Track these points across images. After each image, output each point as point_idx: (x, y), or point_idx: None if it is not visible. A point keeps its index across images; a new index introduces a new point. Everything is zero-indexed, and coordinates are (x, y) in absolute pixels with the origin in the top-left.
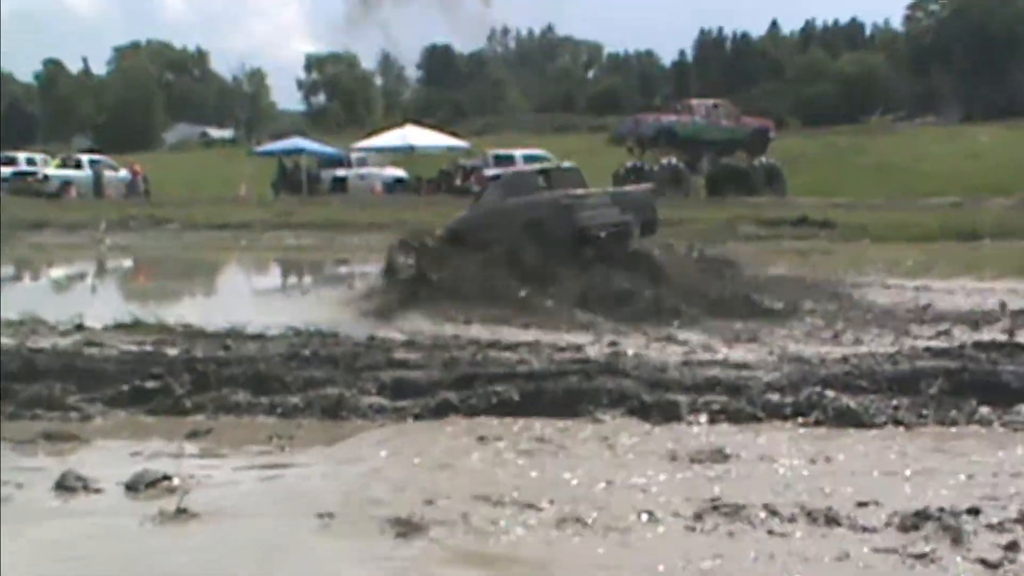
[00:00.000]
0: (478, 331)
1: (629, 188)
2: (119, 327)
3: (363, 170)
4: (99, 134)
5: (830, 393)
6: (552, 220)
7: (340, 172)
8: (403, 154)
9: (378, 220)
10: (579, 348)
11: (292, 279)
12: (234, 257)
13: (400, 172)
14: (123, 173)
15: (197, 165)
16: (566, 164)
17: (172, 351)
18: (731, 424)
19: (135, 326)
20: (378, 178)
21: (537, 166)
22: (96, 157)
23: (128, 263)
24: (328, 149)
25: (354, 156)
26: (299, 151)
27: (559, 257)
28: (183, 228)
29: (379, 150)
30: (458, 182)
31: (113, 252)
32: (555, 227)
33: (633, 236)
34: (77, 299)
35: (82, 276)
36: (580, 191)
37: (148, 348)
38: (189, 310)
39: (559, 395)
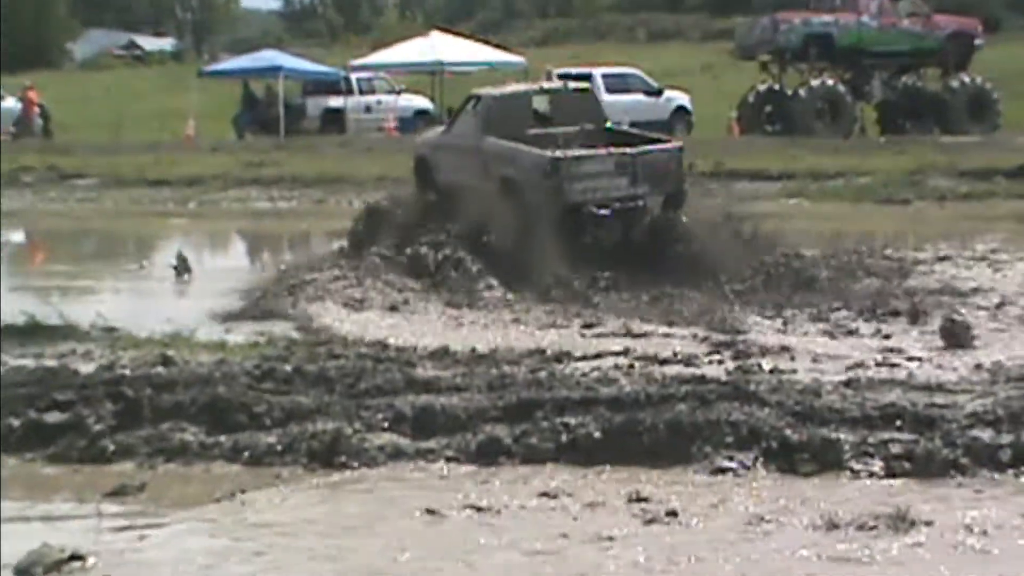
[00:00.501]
0: (527, 337)
1: (648, 147)
2: (7, 332)
3: (368, 99)
4: None
5: None
6: (532, 186)
7: (334, 102)
8: (427, 74)
9: (390, 172)
10: (689, 361)
11: (262, 260)
12: (177, 228)
13: (422, 101)
14: (10, 102)
15: (122, 91)
16: (578, 87)
17: (86, 367)
18: (918, 478)
19: (31, 331)
20: (390, 110)
21: (532, 86)
22: None
23: (17, 238)
24: (317, 68)
25: (355, 78)
26: (273, 71)
27: (542, 237)
28: (102, 185)
29: (392, 67)
30: None
31: None
32: (536, 196)
33: (646, 215)
34: None
35: None
36: (579, 151)
37: (50, 363)
38: (112, 307)
39: (661, 431)
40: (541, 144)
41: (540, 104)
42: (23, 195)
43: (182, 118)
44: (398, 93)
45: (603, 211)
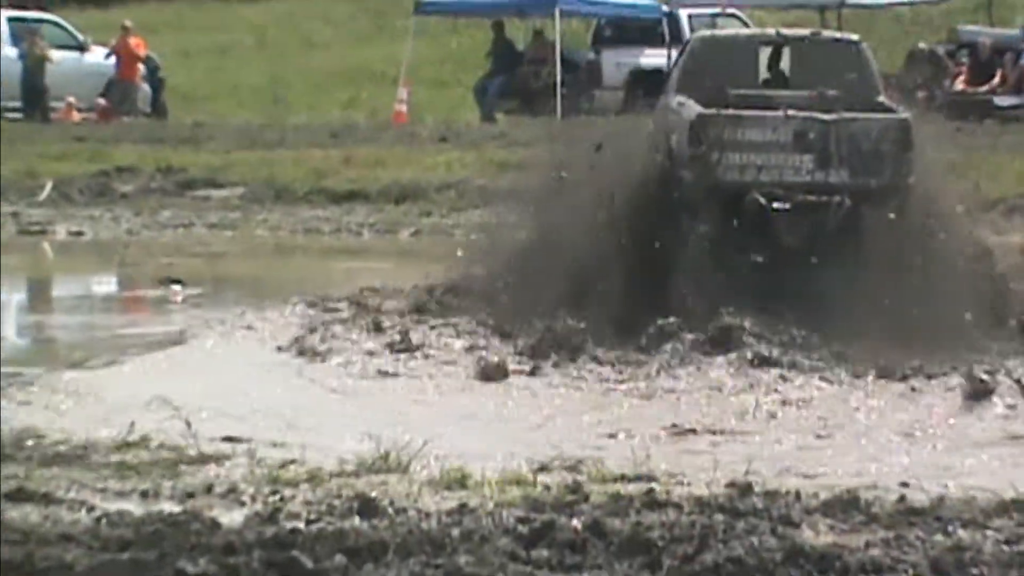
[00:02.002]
0: None
1: (855, 114)
2: (95, 451)
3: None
4: None
5: None
6: (680, 155)
7: (649, 58)
8: (815, 9)
9: None
10: None
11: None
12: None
13: None
14: (97, 55)
15: (284, 36)
16: (833, 34)
17: (232, 516)
18: None
19: (135, 450)
20: None
21: (764, 32)
22: (27, 15)
23: (103, 288)
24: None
25: (685, 16)
26: (545, 4)
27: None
28: (249, 199)
29: None
30: (961, 83)
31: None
32: (681, 168)
33: (840, 214)
34: None
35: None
36: (742, 111)
37: (171, 509)
38: (271, 415)
39: None
40: (747, 108)
41: (785, 57)
42: (118, 215)
43: (387, 83)
44: None
45: (776, 204)
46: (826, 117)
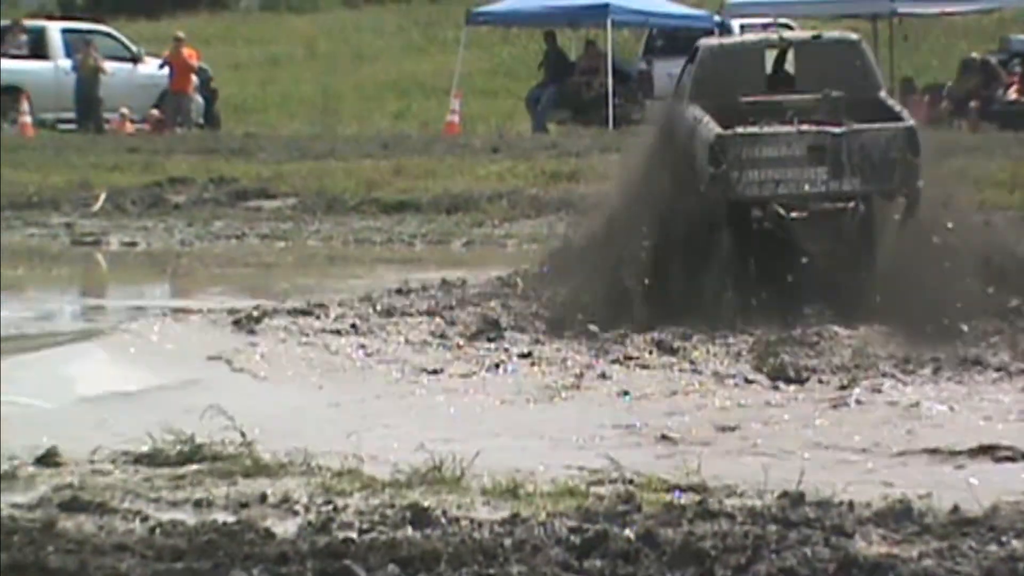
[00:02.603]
0: None
1: (865, 125)
2: (146, 461)
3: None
4: None
5: None
6: (698, 168)
7: None
8: (867, 20)
9: None
10: None
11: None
12: (426, 283)
13: None
14: (151, 67)
15: (337, 47)
16: (835, 35)
17: (285, 525)
18: None
19: (187, 460)
20: None
21: (766, 36)
22: (81, 27)
23: (157, 297)
24: (672, 8)
25: (738, 26)
26: (597, 13)
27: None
28: (302, 209)
29: (801, 8)
30: (1013, 92)
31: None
32: (699, 181)
33: (855, 219)
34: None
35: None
36: (758, 129)
37: (223, 518)
38: (324, 424)
39: None
40: (756, 117)
41: (791, 61)
42: (170, 226)
43: (439, 94)
44: None
45: (793, 214)
46: (837, 130)
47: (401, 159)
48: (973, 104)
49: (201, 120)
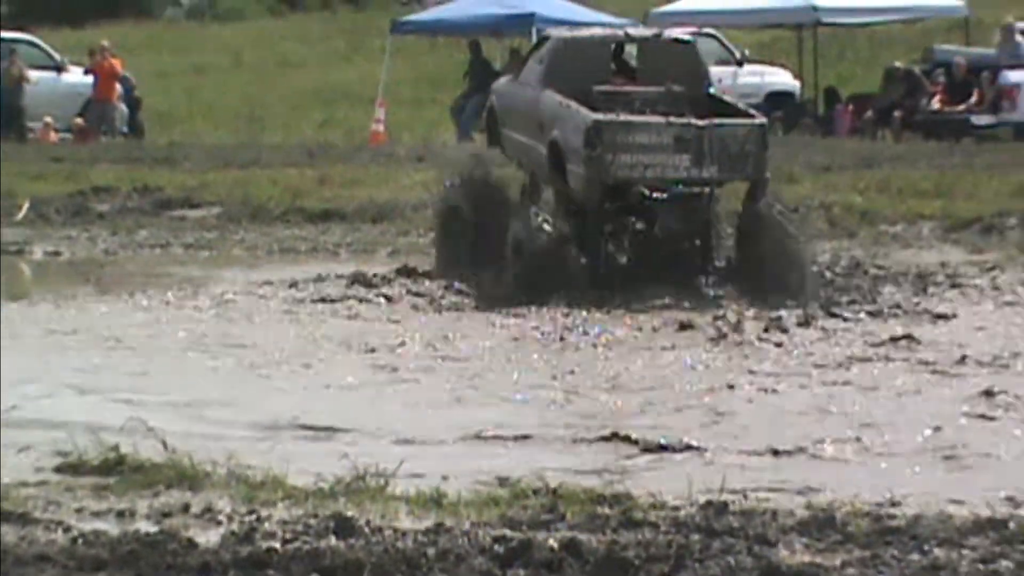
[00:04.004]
0: None
1: (723, 120)
2: (74, 472)
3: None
4: None
5: None
6: (575, 155)
7: None
8: (791, 28)
9: None
10: None
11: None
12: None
13: (781, 76)
14: (75, 75)
15: (262, 56)
16: (672, 35)
17: (208, 536)
18: None
19: (111, 470)
20: (723, 92)
21: (614, 32)
22: (5, 35)
23: (78, 315)
24: (595, 17)
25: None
26: (522, 22)
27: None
28: (226, 219)
29: (722, 17)
30: (937, 102)
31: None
32: (576, 166)
33: (712, 204)
34: None
35: None
36: (631, 117)
37: (147, 528)
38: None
39: None
40: (610, 105)
41: (629, 56)
42: (94, 235)
43: (365, 103)
44: (739, 64)
45: (656, 194)
46: (701, 123)
47: (326, 168)
48: (897, 114)
49: (125, 129)
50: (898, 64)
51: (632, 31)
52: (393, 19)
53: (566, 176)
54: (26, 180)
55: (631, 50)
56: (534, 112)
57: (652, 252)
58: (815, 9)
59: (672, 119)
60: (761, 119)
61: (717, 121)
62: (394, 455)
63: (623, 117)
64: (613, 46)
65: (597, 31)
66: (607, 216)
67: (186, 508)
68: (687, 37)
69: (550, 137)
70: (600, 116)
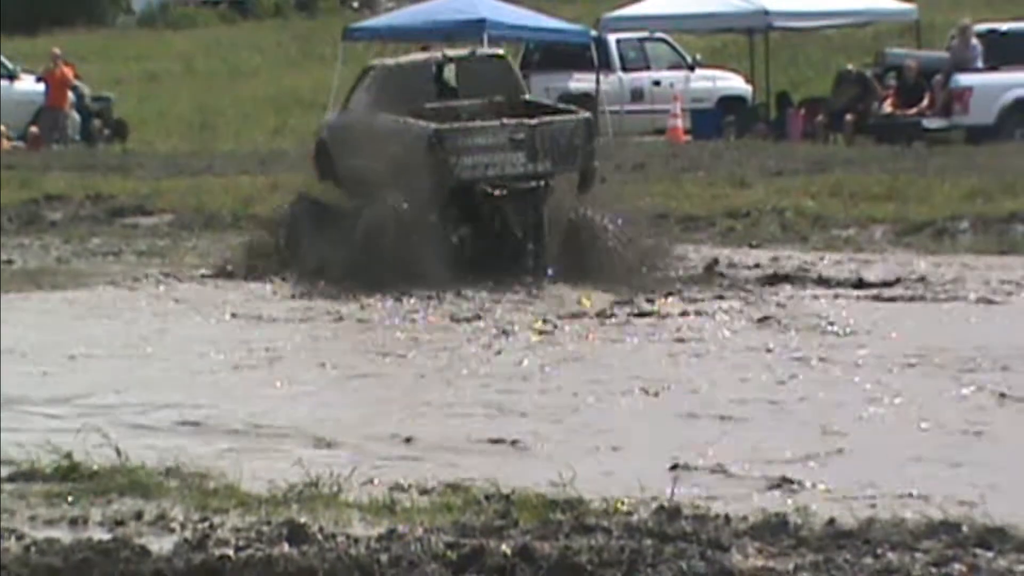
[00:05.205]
0: None
1: (552, 117)
2: (27, 479)
3: (638, 77)
4: None
5: None
6: (416, 163)
7: (578, 83)
8: (743, 33)
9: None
10: None
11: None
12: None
13: (733, 81)
14: (27, 83)
15: (214, 63)
16: (486, 52)
17: (161, 543)
18: None
19: (65, 477)
20: (677, 97)
21: (433, 55)
22: None
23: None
24: (546, 23)
25: (614, 41)
26: (472, 28)
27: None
28: (178, 226)
29: (675, 22)
30: (889, 105)
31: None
32: (421, 174)
33: (548, 195)
34: None
35: None
36: (467, 123)
37: (99, 536)
38: (195, 440)
39: None
40: (441, 119)
41: (449, 75)
42: (47, 243)
43: (317, 109)
44: (691, 68)
45: (497, 191)
46: (533, 122)
47: (278, 175)
48: (849, 118)
49: (78, 137)
50: (850, 67)
51: (450, 52)
52: (345, 26)
53: (412, 189)
54: None
55: (449, 72)
56: (372, 136)
57: (492, 248)
58: (766, 13)
59: (506, 120)
60: (586, 113)
61: (547, 119)
62: (344, 461)
63: (460, 124)
64: (434, 67)
65: (418, 56)
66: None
67: (139, 515)
68: (500, 52)
69: (392, 151)
70: (440, 124)
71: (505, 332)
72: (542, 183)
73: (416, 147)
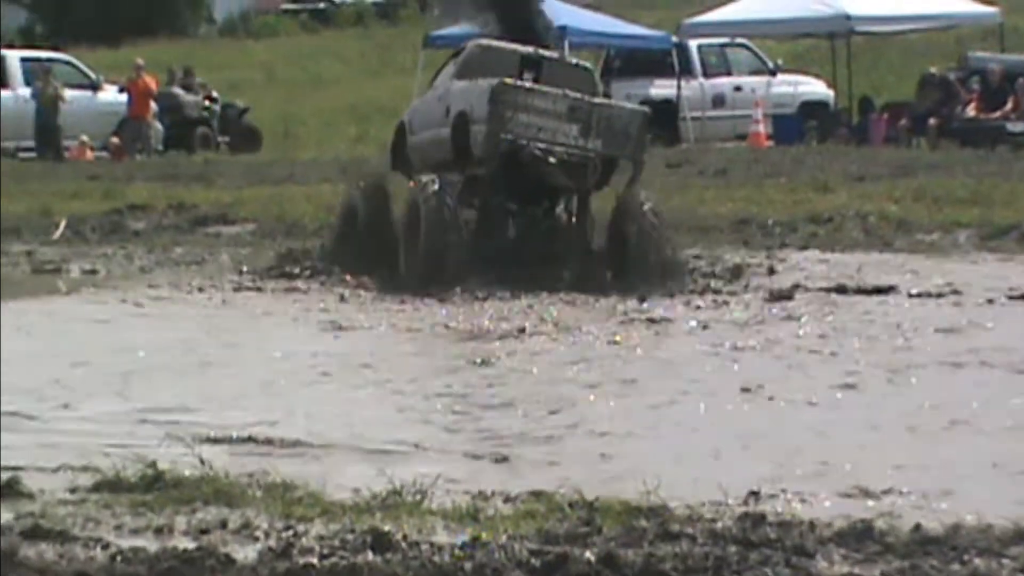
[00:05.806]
0: None
1: (611, 102)
2: (109, 488)
3: (719, 83)
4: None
5: None
6: (479, 117)
7: (659, 89)
8: (824, 38)
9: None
10: None
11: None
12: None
13: (815, 86)
14: (110, 94)
15: (295, 71)
16: (575, 60)
17: (245, 551)
18: None
19: (150, 486)
20: (759, 103)
21: (526, 48)
22: (40, 55)
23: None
24: (635, 30)
25: (695, 47)
26: (555, 32)
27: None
28: (260, 235)
29: (756, 27)
30: (972, 109)
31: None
32: (479, 126)
33: (595, 173)
34: None
35: None
36: (527, 84)
37: (184, 545)
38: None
39: None
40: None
41: (534, 70)
42: (131, 252)
43: (396, 118)
44: (772, 74)
45: (550, 157)
46: (592, 100)
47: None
48: (932, 122)
49: (161, 147)
50: (933, 71)
51: (543, 51)
52: (425, 34)
53: (469, 149)
54: (63, 199)
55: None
56: (443, 103)
57: (535, 232)
58: (848, 18)
59: (568, 92)
60: (645, 109)
61: (607, 101)
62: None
63: (524, 83)
64: (521, 57)
65: (511, 44)
66: (507, 190)
67: (224, 524)
68: (588, 65)
69: (457, 110)
70: (505, 79)
71: (576, 341)
72: (589, 159)
73: (479, 101)
